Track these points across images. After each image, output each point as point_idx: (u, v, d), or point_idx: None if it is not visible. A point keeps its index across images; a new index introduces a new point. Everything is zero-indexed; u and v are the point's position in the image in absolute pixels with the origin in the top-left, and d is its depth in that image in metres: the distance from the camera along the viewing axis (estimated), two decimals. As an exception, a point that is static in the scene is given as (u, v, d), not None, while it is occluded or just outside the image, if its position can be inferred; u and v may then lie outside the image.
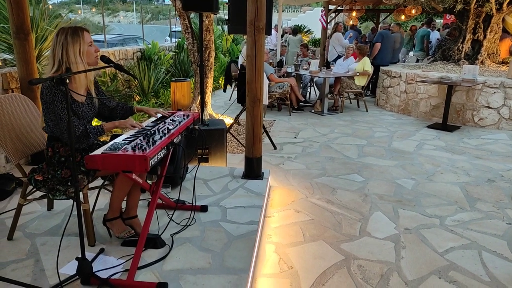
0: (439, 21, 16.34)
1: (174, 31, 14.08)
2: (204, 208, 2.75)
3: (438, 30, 10.59)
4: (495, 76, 6.13)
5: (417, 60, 8.82)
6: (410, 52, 10.15)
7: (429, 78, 6.24)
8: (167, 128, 2.26)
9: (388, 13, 13.97)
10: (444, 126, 5.80)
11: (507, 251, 2.63)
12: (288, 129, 5.85)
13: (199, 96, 4.54)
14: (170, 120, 2.46)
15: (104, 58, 2.28)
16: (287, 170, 4.13)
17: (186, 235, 2.42)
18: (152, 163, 1.87)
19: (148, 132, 2.15)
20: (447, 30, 9.54)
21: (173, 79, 6.52)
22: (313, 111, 7.07)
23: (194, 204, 2.67)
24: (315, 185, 3.72)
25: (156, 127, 2.28)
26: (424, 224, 2.98)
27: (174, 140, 2.21)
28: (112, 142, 2.01)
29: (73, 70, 2.07)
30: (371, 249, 2.62)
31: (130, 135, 2.12)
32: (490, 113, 5.87)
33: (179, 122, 2.41)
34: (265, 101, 6.38)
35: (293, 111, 6.98)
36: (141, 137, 2.06)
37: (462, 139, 5.33)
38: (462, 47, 7.45)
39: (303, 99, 7.44)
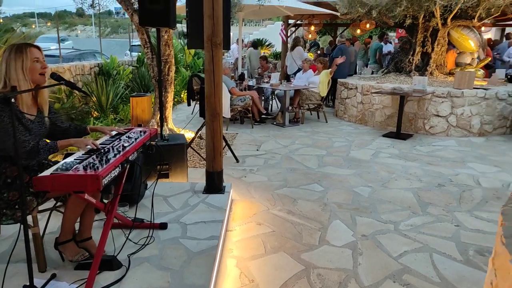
0: (392, 35, 17.24)
1: (134, 45, 13.89)
2: (163, 226, 2.70)
3: (390, 43, 11.16)
4: (443, 86, 6.53)
5: (372, 72, 9.23)
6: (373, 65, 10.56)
7: (383, 89, 6.55)
8: (122, 145, 2.22)
9: (345, 27, 14.57)
10: (398, 134, 6.09)
11: (456, 252, 2.78)
12: (250, 141, 5.90)
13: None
14: (126, 137, 2.42)
15: (54, 76, 2.23)
16: (249, 182, 4.16)
17: (144, 254, 2.36)
18: (105, 182, 1.83)
19: (102, 150, 2.11)
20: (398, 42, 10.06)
21: (133, 94, 6.41)
22: (275, 123, 7.19)
23: (152, 221, 2.62)
24: (277, 197, 3.77)
25: (111, 144, 2.24)
26: (379, 230, 3.10)
27: (130, 158, 2.18)
28: (62, 162, 1.95)
29: (13, 84, 2.00)
30: (330, 258, 2.68)
31: (83, 154, 2.07)
32: (439, 121, 6.24)
33: (135, 139, 2.38)
34: (227, 114, 6.41)
35: (255, 123, 7.06)
36: (94, 156, 2.01)
37: (415, 146, 5.62)
38: (413, 59, 7.89)
39: (265, 112, 7.55)
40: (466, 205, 3.61)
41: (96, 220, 2.69)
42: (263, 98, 8.18)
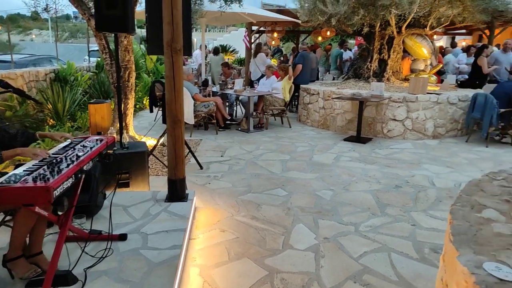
0: (352, 42, 17.87)
1: (94, 51, 13.45)
2: (122, 237, 2.62)
3: (350, 50, 11.55)
4: (399, 92, 6.83)
5: (334, 78, 9.49)
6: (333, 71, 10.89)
7: (344, 95, 6.75)
8: (76, 155, 2.14)
9: (307, 34, 14.91)
10: (358, 138, 6.28)
11: (412, 250, 2.90)
12: (214, 147, 5.87)
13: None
14: (81, 146, 2.34)
15: (1, 83, 2.12)
16: (213, 189, 4.13)
17: (102, 267, 2.27)
18: (57, 193, 1.76)
19: (54, 161, 2.02)
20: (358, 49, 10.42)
21: (91, 101, 6.19)
22: (239, 129, 7.19)
23: (111, 233, 2.53)
24: (241, 203, 3.76)
25: (64, 154, 2.15)
26: (341, 232, 3.17)
27: (84, 167, 2.10)
28: (11, 174, 1.85)
29: None
30: (293, 261, 2.71)
31: (33, 165, 1.97)
32: (396, 125, 6.51)
33: (91, 148, 2.30)
34: (191, 120, 6.35)
35: (220, 129, 7.03)
36: (45, 167, 1.92)
37: (374, 149, 5.82)
38: (371, 66, 8.19)
39: (229, 118, 7.54)
40: (421, 205, 3.78)
41: (51, 234, 2.57)
42: (227, 104, 8.17)
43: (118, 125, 5.12)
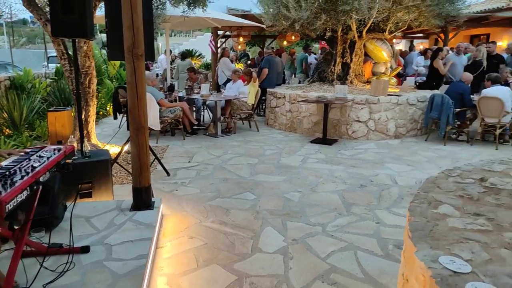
0: (317, 46, 18.27)
1: (53, 56, 12.95)
2: (85, 249, 2.52)
3: (315, 54, 11.80)
4: (362, 94, 7.03)
5: (300, 82, 9.64)
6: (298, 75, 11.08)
7: (309, 98, 6.87)
8: (31, 166, 2.04)
9: (272, 39, 15.08)
10: (324, 140, 6.41)
11: (377, 247, 2.98)
12: (182, 153, 5.79)
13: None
14: (37, 156, 2.23)
15: None
16: (181, 196, 4.07)
17: (63, 282, 2.18)
18: (10, 207, 1.67)
19: (7, 173, 1.91)
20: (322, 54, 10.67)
21: (51, 109, 5.94)
22: (207, 134, 7.14)
23: (72, 246, 2.43)
24: (209, 208, 3.73)
25: (18, 165, 2.04)
26: (309, 233, 3.21)
27: (41, 179, 2.00)
28: (-42, 189, 1.73)
29: None
30: (262, 265, 2.71)
31: (-17, 178, 1.86)
32: (360, 126, 6.70)
33: (47, 158, 2.20)
34: (157, 126, 6.23)
35: (187, 135, 6.95)
36: (-3, 180, 1.82)
37: (340, 151, 5.95)
38: (334, 69, 8.40)
39: (196, 123, 7.48)
40: (385, 203, 3.90)
41: (6, 250, 2.43)
42: (194, 109, 8.09)
43: (79, 133, 4.95)
